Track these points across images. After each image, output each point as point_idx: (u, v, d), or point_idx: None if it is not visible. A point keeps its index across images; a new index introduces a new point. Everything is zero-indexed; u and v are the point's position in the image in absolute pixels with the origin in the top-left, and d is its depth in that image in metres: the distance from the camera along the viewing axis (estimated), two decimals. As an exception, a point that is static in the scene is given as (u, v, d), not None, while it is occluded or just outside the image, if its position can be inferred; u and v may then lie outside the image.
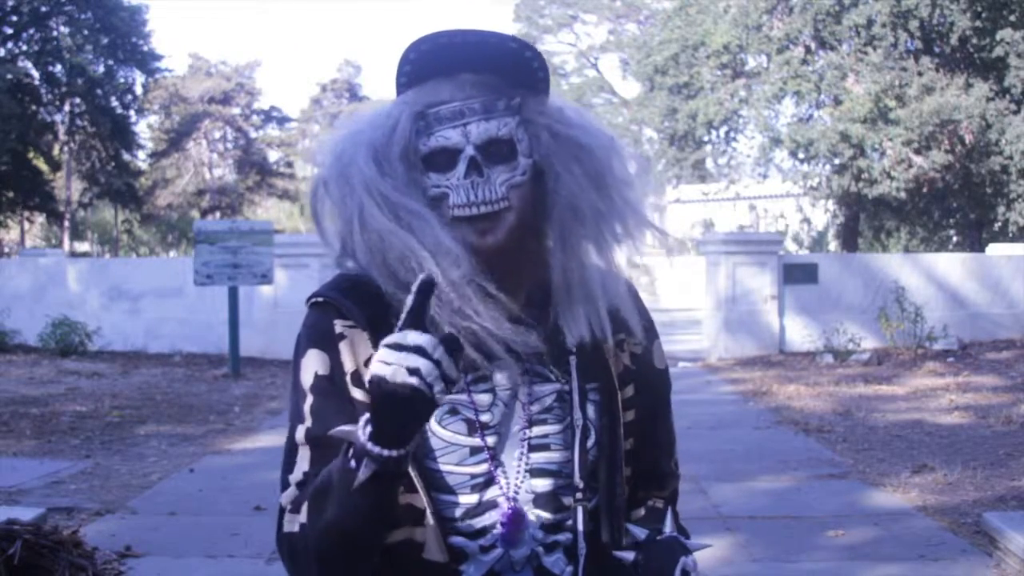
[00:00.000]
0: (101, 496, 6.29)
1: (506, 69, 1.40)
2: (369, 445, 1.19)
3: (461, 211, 1.35)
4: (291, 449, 1.38)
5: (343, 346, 1.38)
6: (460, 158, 1.37)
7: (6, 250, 36.03)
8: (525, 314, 1.40)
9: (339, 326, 1.39)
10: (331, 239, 1.42)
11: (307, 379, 1.39)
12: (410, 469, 1.31)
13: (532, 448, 1.41)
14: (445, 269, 1.31)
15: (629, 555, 1.44)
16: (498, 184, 1.37)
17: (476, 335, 1.33)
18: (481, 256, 1.35)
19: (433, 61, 1.39)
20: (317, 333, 1.40)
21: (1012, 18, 17.54)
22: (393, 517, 1.30)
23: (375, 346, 1.34)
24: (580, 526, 1.42)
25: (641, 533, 1.46)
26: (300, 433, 1.37)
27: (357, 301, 1.39)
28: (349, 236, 1.38)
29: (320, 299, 1.41)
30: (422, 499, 1.35)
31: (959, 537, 5.30)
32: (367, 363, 1.35)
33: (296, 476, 1.36)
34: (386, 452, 1.18)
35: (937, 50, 18.72)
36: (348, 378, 1.38)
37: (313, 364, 1.39)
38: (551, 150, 1.41)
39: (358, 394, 1.37)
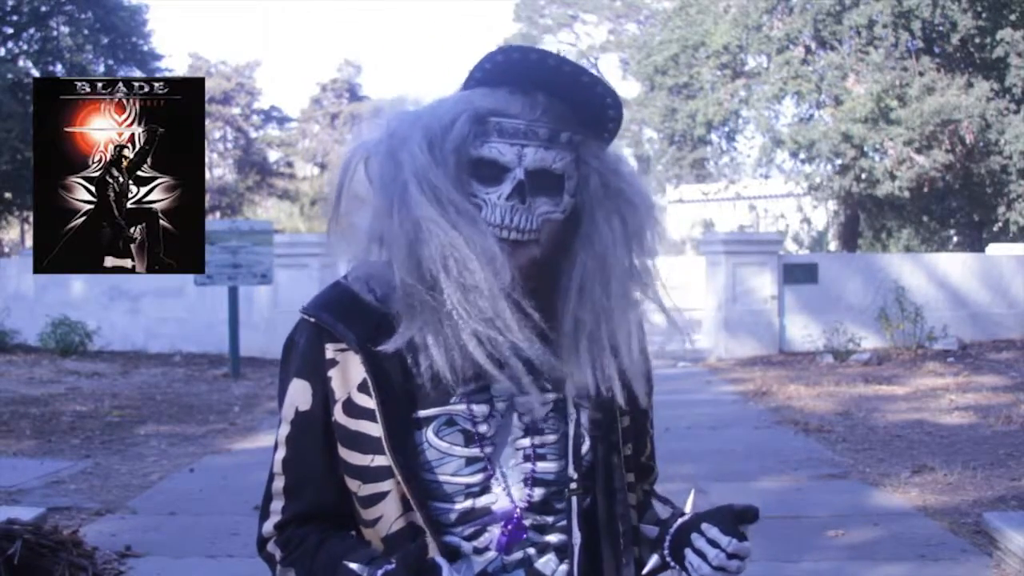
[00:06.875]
0: (101, 496, 6.29)
1: (578, 103, 1.37)
2: None
3: (493, 231, 1.33)
4: (271, 476, 1.43)
5: (333, 373, 1.38)
6: (508, 177, 1.34)
7: (6, 250, 36.00)
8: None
9: (330, 351, 1.38)
10: (343, 214, 1.41)
11: (288, 412, 1.41)
12: (406, 487, 1.33)
13: (527, 458, 1.40)
14: (487, 276, 1.29)
15: (653, 530, 1.51)
16: (536, 215, 1.35)
17: (498, 347, 1.32)
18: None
19: (515, 71, 1.35)
20: (305, 360, 1.40)
21: (1012, 18, 17.52)
22: None
23: (368, 367, 1.34)
24: (575, 514, 1.42)
25: (664, 512, 1.54)
26: (278, 462, 1.42)
27: (350, 319, 1.37)
28: (383, 217, 1.35)
29: (312, 319, 1.40)
30: (418, 516, 1.34)
31: (959, 537, 5.30)
32: (360, 387, 1.36)
33: (275, 513, 1.41)
34: None
35: (938, 50, 18.71)
36: (340, 406, 1.37)
37: (296, 397, 1.40)
38: (597, 198, 1.39)
39: (347, 421, 1.37)
